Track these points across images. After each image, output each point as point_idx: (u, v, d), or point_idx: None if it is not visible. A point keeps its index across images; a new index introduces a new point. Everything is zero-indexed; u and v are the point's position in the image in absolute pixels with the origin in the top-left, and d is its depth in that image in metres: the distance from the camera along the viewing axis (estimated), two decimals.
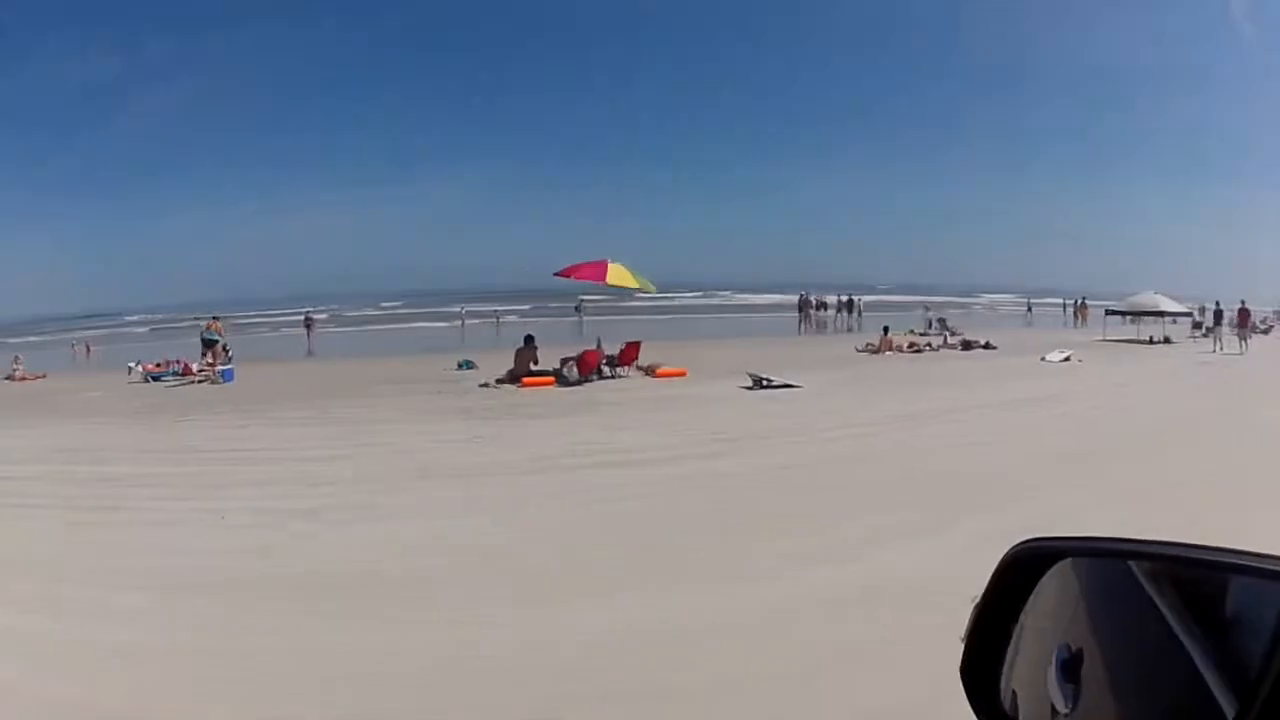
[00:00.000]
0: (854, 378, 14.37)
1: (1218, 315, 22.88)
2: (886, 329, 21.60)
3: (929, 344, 21.66)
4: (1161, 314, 25.80)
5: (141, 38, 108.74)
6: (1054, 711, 0.74)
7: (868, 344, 20.62)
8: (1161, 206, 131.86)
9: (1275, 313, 33.23)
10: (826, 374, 14.38)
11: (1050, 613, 0.80)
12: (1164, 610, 0.71)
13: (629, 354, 14.77)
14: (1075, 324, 31.93)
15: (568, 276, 15.17)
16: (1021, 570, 0.80)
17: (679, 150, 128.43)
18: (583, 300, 31.08)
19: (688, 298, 49.13)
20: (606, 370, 14.30)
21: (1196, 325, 26.95)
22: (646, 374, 14.35)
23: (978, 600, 0.81)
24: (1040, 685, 0.76)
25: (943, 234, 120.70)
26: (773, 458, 7.70)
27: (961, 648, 0.80)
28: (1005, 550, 0.79)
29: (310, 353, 25.73)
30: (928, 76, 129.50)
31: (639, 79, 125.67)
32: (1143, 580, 0.75)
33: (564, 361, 13.98)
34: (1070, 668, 0.74)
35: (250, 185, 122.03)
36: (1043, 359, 17.11)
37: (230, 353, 17.65)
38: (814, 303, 34.76)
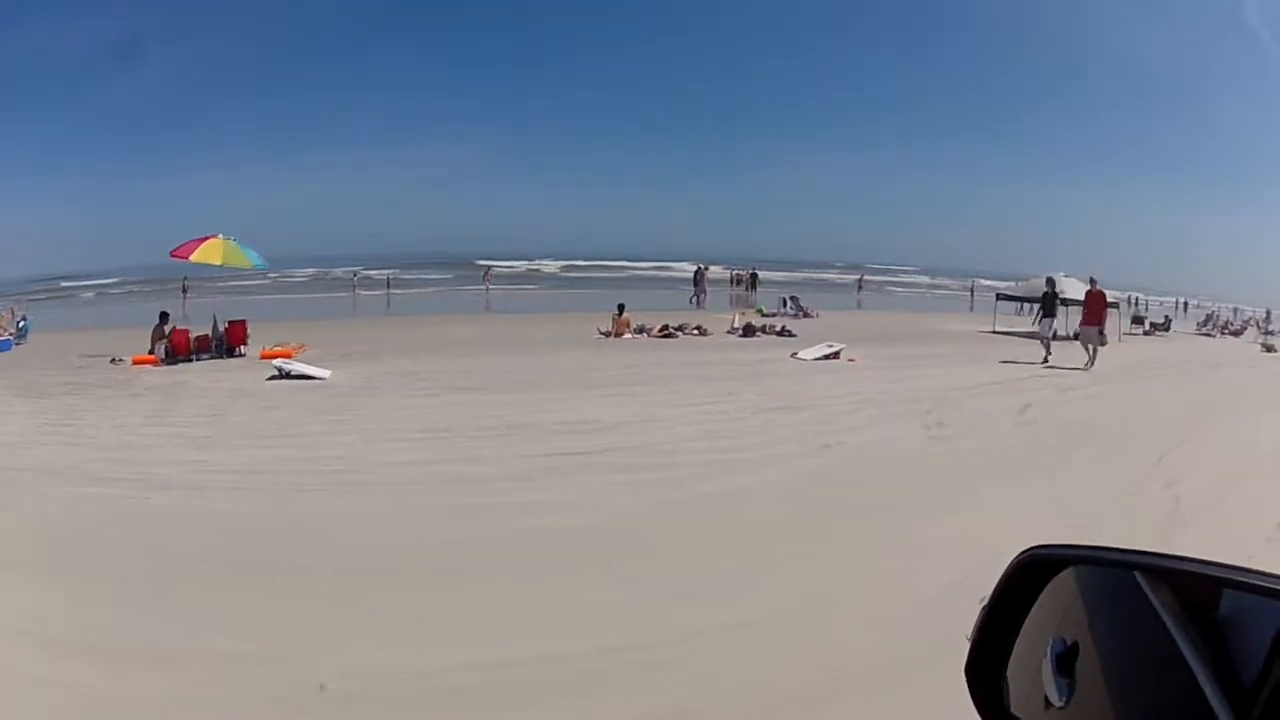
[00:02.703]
0: (458, 370, 11.34)
1: (1047, 303, 14.76)
2: (621, 308, 15.99)
3: (693, 327, 16.98)
4: (1064, 302, 19.20)
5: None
6: (1047, 704, 0.75)
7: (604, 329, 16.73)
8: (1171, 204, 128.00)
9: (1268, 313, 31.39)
10: (453, 362, 12.15)
11: (1047, 607, 0.82)
12: (1162, 616, 0.72)
13: (235, 333, 13.89)
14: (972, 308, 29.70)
15: (181, 257, 14.34)
16: (1028, 576, 0.82)
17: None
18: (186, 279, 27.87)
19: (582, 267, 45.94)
20: (210, 350, 13.49)
21: (1136, 320, 25.20)
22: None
23: (985, 602, 0.83)
24: (1035, 677, 0.77)
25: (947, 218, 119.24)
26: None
27: (967, 648, 0.83)
28: None
29: None
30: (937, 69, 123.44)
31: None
32: (1144, 587, 0.75)
33: (155, 340, 13.25)
34: (1065, 661, 0.76)
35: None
36: (794, 355, 13.26)
37: (22, 324, 17.24)
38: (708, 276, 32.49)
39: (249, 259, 14.74)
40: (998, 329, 20.26)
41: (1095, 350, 13.25)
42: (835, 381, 10.54)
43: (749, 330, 16.58)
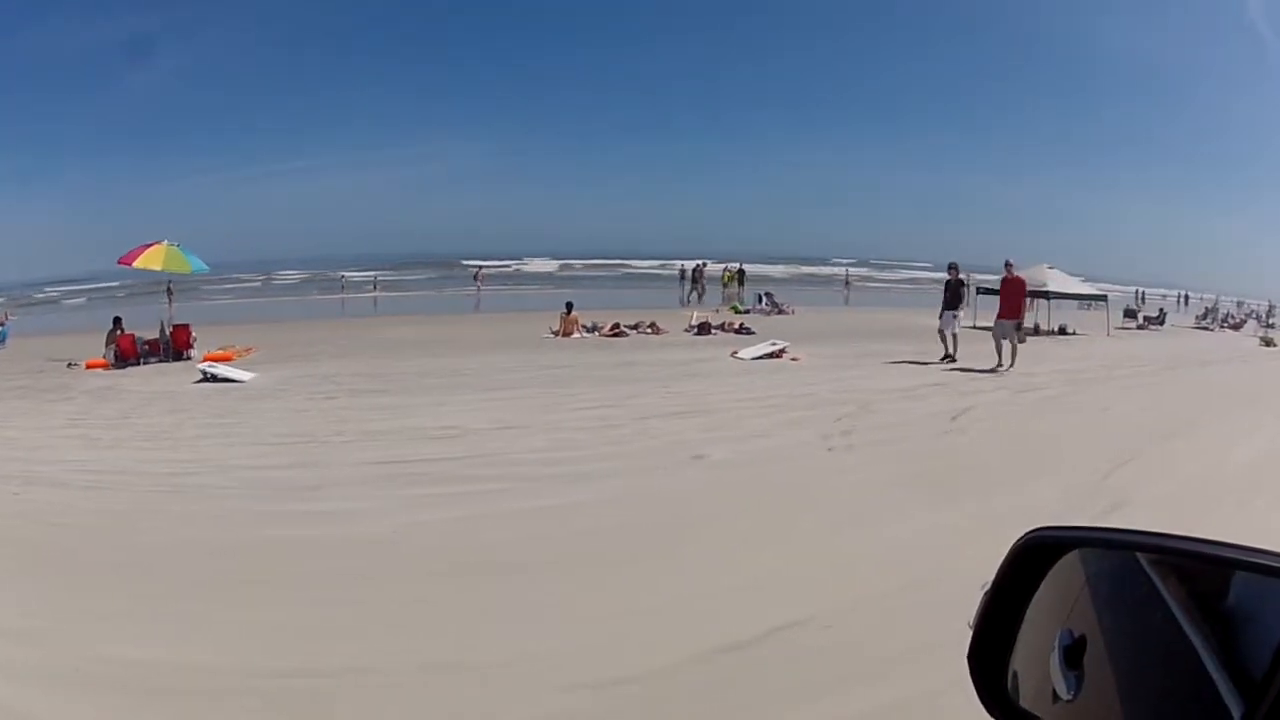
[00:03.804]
0: (379, 372, 11.06)
1: (951, 294, 12.45)
2: (569, 306, 15.19)
3: (647, 325, 16.19)
4: (1047, 295, 18.19)
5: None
6: (1055, 697, 0.73)
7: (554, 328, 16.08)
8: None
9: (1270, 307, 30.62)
10: (382, 364, 11.89)
11: (1053, 598, 0.79)
12: (1170, 604, 0.70)
13: (180, 337, 13.91)
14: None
15: (125, 264, 14.71)
16: (1032, 559, 0.79)
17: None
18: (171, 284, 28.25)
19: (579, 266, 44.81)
20: (160, 354, 13.51)
21: (1129, 314, 24.15)
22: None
23: (987, 587, 0.80)
24: (1043, 670, 0.75)
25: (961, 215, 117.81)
26: None
27: (970, 634, 0.79)
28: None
29: None
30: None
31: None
32: (1150, 573, 0.74)
33: (107, 345, 13.41)
34: (1073, 654, 0.74)
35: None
36: (734, 354, 12.38)
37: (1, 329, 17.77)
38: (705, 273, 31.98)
39: (189, 264, 14.91)
40: (978, 324, 19.14)
41: (1014, 349, 11.31)
42: (760, 383, 9.62)
43: (704, 328, 15.67)
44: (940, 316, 12.44)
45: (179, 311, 23.91)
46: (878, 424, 7.21)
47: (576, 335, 15.32)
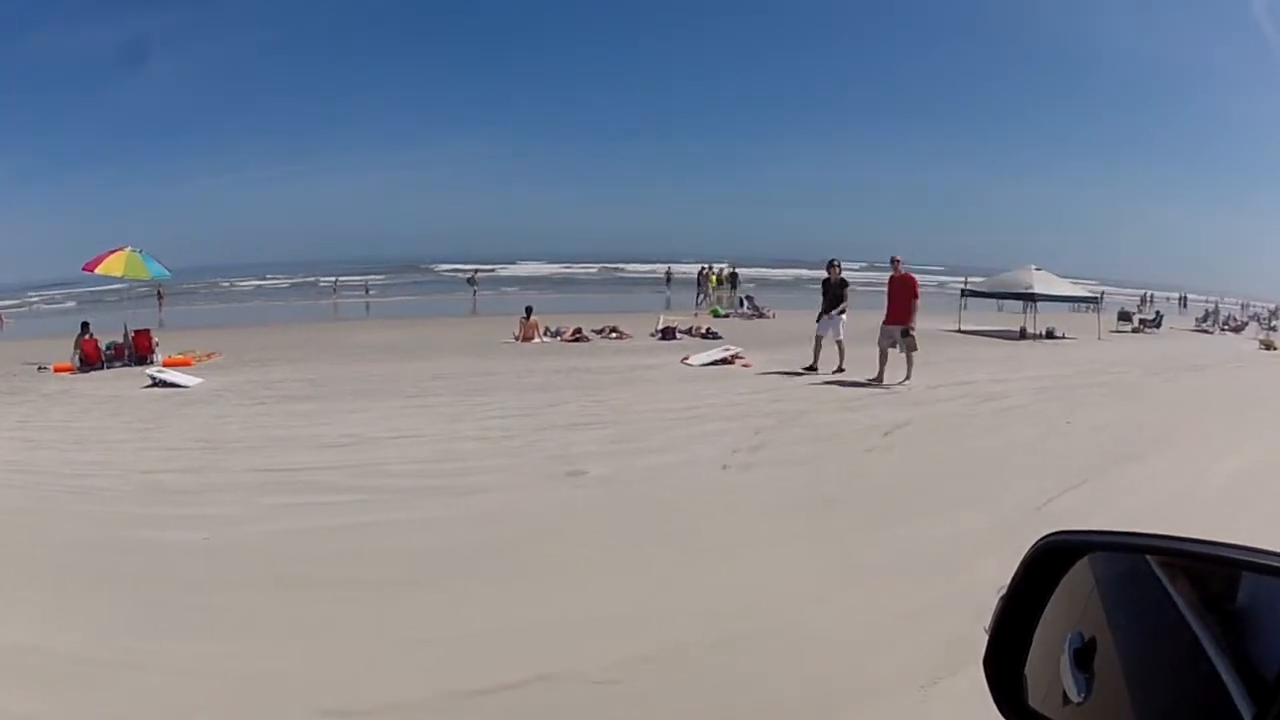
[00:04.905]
0: (323, 377, 10.93)
1: (831, 296, 10.69)
2: (529, 311, 14.65)
3: (610, 330, 15.72)
4: (1032, 297, 17.48)
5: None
6: (1066, 699, 0.73)
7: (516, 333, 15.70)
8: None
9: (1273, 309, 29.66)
10: (330, 368, 11.80)
11: (1063, 601, 0.79)
12: (1180, 606, 0.70)
13: (141, 342, 13.89)
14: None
15: (89, 270, 14.86)
16: (1047, 563, 0.79)
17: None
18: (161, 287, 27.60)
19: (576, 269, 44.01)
20: (123, 359, 13.49)
21: (1124, 316, 23.34)
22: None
23: (1004, 592, 0.80)
24: (1053, 672, 0.75)
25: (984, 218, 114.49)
26: None
27: (985, 639, 0.79)
28: None
29: None
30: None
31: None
32: (1160, 575, 0.74)
33: (74, 349, 13.50)
34: (1083, 656, 0.74)
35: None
36: (685, 360, 11.72)
37: None
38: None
39: (148, 271, 15.07)
40: (963, 328, 18.39)
41: (909, 360, 9.68)
42: (693, 390, 9.07)
43: (668, 333, 15.03)
44: (818, 321, 10.79)
45: (167, 316, 24.42)
46: (798, 438, 6.59)
47: (538, 340, 14.80)
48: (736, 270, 31.84)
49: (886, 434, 6.82)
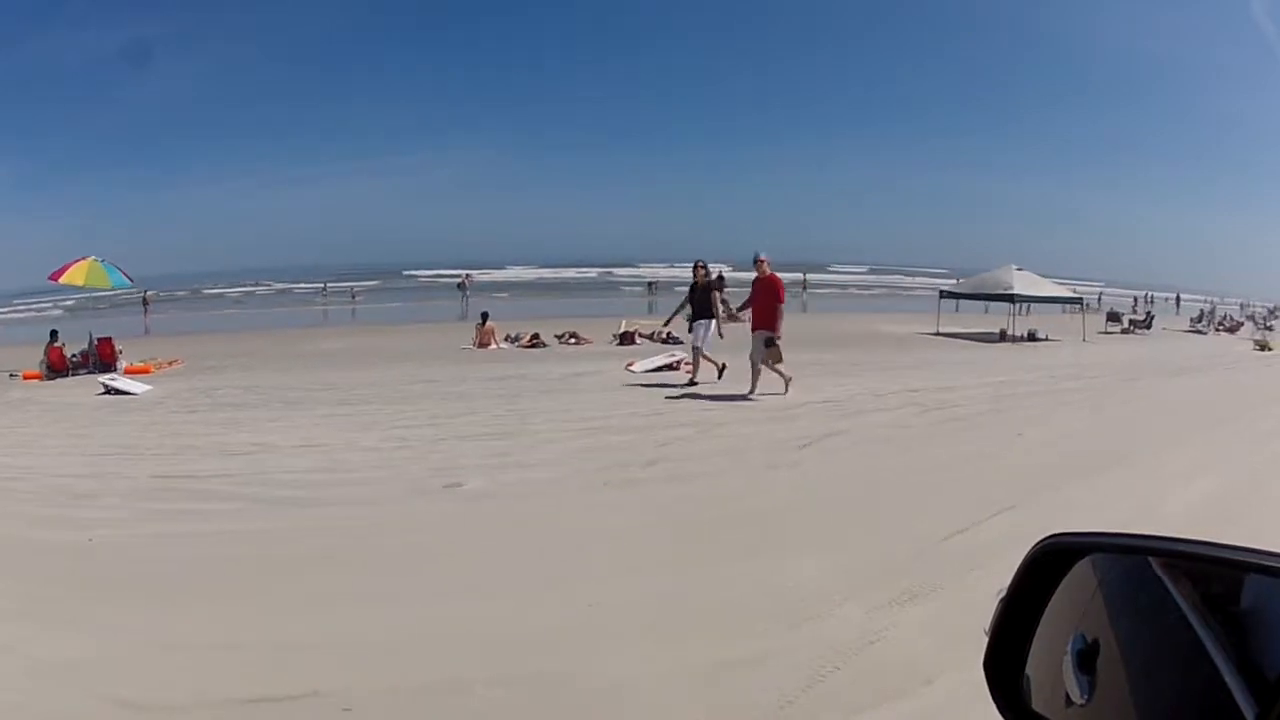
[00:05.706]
0: (265, 385, 10.96)
1: (699, 301, 9.65)
2: (485, 316, 14.37)
3: (569, 335, 15.67)
4: (1012, 298, 17.02)
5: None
6: (1068, 700, 0.73)
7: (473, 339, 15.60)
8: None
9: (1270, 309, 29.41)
10: (275, 376, 11.82)
11: (1066, 602, 0.79)
12: (1183, 607, 0.70)
13: (104, 350, 14.02)
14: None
15: (53, 280, 14.99)
16: (1047, 565, 0.79)
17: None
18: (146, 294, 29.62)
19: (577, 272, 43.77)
20: (89, 366, 13.61)
21: (1113, 317, 22.68)
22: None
23: (1003, 594, 0.80)
24: (1056, 674, 0.75)
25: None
26: None
27: (985, 641, 0.79)
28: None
29: None
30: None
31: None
32: (1162, 576, 0.73)
33: (43, 357, 13.69)
34: (1086, 658, 0.73)
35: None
36: (629, 367, 11.50)
37: None
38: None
39: (109, 280, 15.24)
40: (941, 330, 17.90)
41: (755, 369, 8.71)
42: (615, 400, 8.74)
43: (627, 338, 14.66)
44: (690, 330, 9.85)
45: (152, 322, 24.31)
46: (706, 451, 6.20)
47: (494, 346, 14.45)
48: (723, 275, 31.55)
49: (803, 447, 6.38)
